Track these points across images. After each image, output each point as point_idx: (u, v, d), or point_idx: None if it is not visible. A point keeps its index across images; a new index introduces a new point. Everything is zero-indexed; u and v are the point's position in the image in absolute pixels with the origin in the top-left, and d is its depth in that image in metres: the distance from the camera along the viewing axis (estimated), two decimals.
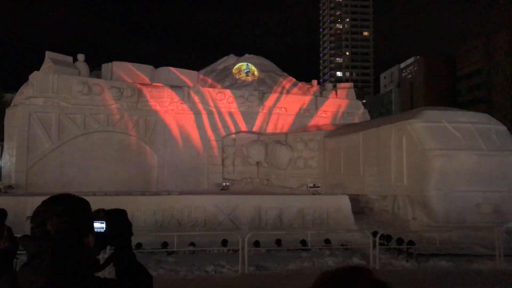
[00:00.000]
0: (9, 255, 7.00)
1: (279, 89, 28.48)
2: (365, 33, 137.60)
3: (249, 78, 28.62)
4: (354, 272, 1.46)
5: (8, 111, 24.18)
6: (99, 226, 2.00)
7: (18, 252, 7.01)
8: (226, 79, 28.22)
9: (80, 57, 25.26)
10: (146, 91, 24.74)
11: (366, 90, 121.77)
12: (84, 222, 1.86)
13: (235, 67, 29.21)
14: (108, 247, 2.17)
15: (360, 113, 29.35)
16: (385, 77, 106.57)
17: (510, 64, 44.13)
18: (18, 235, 2.04)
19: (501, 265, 11.34)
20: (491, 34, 48.11)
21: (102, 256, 6.95)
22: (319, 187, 18.44)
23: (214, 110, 25.97)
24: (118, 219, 2.06)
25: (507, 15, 42.27)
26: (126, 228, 2.08)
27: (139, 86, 24.69)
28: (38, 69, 23.93)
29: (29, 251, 1.75)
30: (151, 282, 2.05)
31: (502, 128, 17.73)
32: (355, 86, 34.46)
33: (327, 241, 13.55)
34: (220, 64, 29.50)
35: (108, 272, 2.44)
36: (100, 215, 2.03)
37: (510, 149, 16.69)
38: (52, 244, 1.72)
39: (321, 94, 29.44)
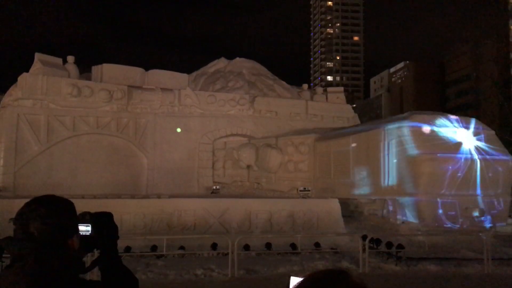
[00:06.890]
0: None
1: (270, 92, 28.53)
2: (356, 38, 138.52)
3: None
4: (332, 275, 1.46)
5: None
6: (84, 229, 1.97)
7: (3, 255, 6.92)
8: (217, 82, 28.19)
9: (70, 59, 25.05)
10: (136, 93, 24.60)
11: (356, 94, 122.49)
12: (68, 223, 1.83)
13: (226, 70, 29.22)
14: (95, 250, 2.15)
15: (350, 117, 29.50)
16: (375, 82, 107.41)
17: (497, 70, 44.75)
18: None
19: (489, 269, 11.43)
20: (479, 41, 48.76)
21: (91, 259, 6.87)
22: (309, 190, 18.46)
23: (204, 113, 25.92)
24: (104, 222, 2.04)
25: (494, 22, 42.88)
26: (112, 231, 2.06)
27: (129, 88, 24.54)
28: (27, 71, 23.69)
29: (12, 253, 1.72)
30: (137, 286, 2.02)
31: (491, 132, 17.96)
32: (345, 91, 34.57)
33: (317, 244, 13.55)
34: (211, 67, 29.49)
35: (96, 275, 2.42)
36: (86, 217, 2.01)
37: (498, 154, 16.89)
38: (35, 246, 1.68)
39: (312, 98, 29.54)
